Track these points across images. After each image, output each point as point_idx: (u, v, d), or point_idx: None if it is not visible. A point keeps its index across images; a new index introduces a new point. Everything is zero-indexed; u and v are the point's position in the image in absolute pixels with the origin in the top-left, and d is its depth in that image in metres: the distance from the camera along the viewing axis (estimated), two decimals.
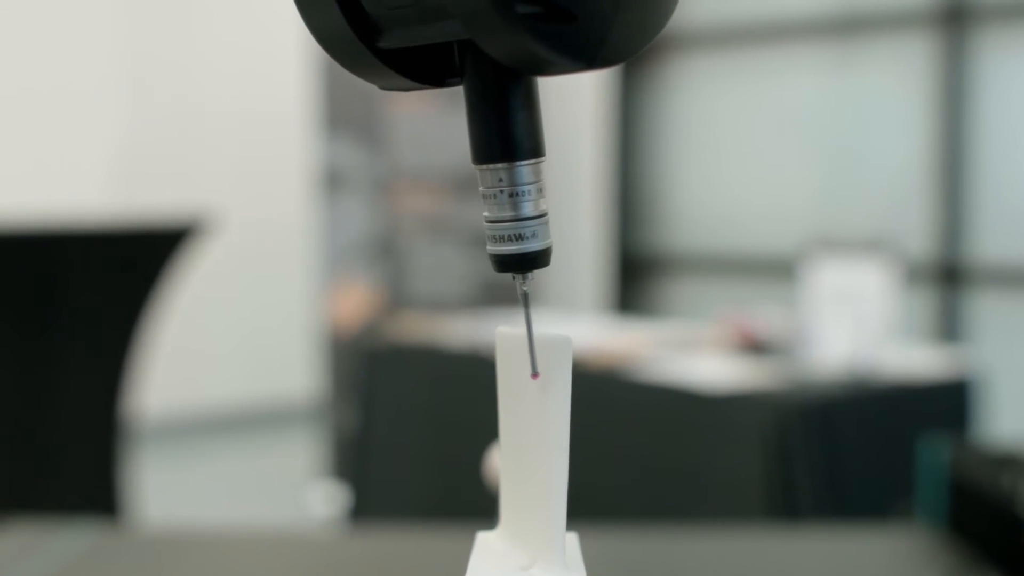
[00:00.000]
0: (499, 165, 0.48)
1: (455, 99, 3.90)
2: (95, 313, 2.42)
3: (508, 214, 0.48)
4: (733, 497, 2.02)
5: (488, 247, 0.49)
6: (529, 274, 0.50)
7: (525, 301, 0.50)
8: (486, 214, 0.49)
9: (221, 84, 5.20)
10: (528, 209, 0.48)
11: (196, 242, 2.49)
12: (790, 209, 4.21)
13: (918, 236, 3.86)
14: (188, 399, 5.06)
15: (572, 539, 0.53)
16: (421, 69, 0.49)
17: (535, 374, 0.50)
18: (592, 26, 0.43)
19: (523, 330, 0.51)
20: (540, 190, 0.49)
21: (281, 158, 5.20)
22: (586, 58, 0.44)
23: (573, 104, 4.54)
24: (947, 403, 2.26)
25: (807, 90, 4.19)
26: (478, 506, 1.11)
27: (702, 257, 4.48)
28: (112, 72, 4.98)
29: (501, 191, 0.48)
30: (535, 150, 0.48)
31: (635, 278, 4.69)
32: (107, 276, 2.42)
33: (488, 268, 4.07)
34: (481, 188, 0.49)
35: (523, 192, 0.48)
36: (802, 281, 2.28)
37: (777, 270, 4.07)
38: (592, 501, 2.17)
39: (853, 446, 2.08)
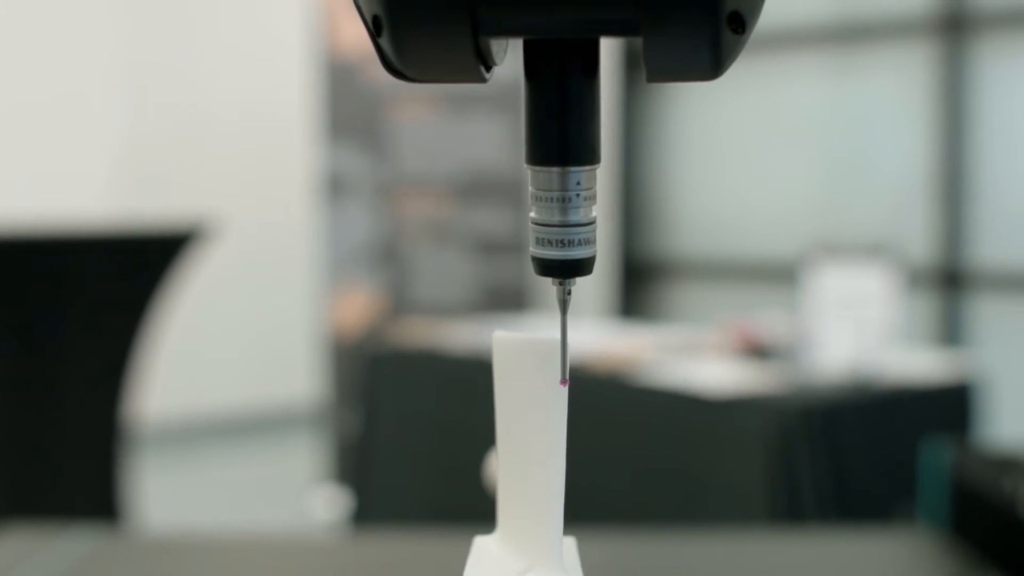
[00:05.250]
0: (554, 168, 0.46)
1: (458, 105, 3.90)
2: (97, 318, 2.42)
3: (557, 219, 0.46)
4: (736, 501, 2.02)
5: (532, 249, 0.48)
6: (571, 280, 0.48)
7: (563, 307, 0.49)
8: (533, 215, 0.47)
9: (224, 89, 5.20)
10: (579, 215, 0.47)
11: (198, 248, 2.49)
12: (793, 214, 4.21)
13: (920, 241, 3.86)
14: (191, 404, 5.06)
15: (570, 543, 0.53)
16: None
17: (564, 381, 0.49)
18: (742, 40, 0.42)
19: (519, 334, 0.50)
20: (592, 196, 0.47)
21: (284, 164, 5.20)
22: (721, 70, 0.43)
23: None
24: (949, 407, 2.27)
25: (809, 97, 4.19)
26: (480, 511, 1.11)
27: (705, 262, 4.48)
28: (115, 77, 4.99)
29: (553, 194, 0.46)
30: (592, 156, 0.46)
31: (639, 283, 4.69)
32: (109, 282, 2.42)
33: (490, 273, 4.07)
34: (532, 189, 0.47)
35: (575, 197, 0.46)
36: (805, 286, 2.29)
37: (780, 275, 4.07)
38: (594, 505, 2.17)
39: (856, 450, 2.08)
